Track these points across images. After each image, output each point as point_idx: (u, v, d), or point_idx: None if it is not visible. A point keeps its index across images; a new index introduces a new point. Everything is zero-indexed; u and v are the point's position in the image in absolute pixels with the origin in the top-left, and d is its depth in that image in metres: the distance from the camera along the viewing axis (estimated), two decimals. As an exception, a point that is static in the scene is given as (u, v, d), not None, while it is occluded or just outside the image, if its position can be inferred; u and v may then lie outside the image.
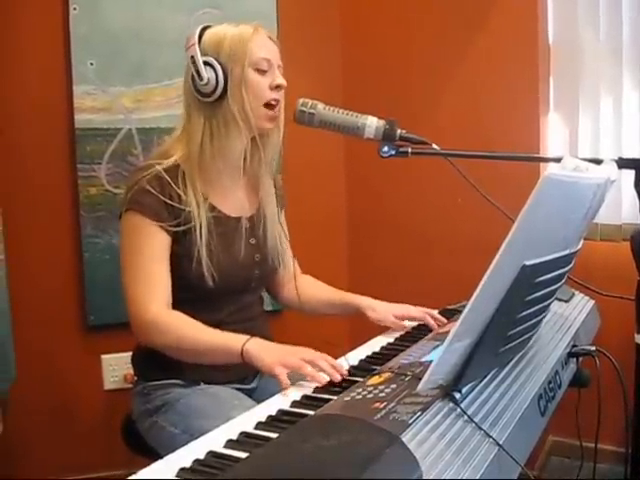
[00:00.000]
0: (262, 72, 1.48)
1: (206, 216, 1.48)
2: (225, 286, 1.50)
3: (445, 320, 1.62)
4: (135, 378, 1.62)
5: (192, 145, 1.49)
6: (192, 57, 1.47)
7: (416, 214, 2.61)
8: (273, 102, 1.50)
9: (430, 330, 1.57)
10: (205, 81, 1.45)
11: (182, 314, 1.43)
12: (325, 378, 1.23)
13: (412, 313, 1.66)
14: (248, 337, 1.35)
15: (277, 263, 1.66)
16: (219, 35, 1.48)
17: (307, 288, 1.73)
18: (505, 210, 1.39)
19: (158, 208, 1.45)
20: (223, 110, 1.48)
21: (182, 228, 1.47)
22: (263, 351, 1.32)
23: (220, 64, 1.45)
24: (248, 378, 1.62)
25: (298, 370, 1.25)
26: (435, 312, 1.67)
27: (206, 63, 1.45)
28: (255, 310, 1.64)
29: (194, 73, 1.46)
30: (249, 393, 1.60)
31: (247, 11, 2.37)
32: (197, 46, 1.46)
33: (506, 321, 1.00)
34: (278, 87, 1.50)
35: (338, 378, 1.24)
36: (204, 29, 1.50)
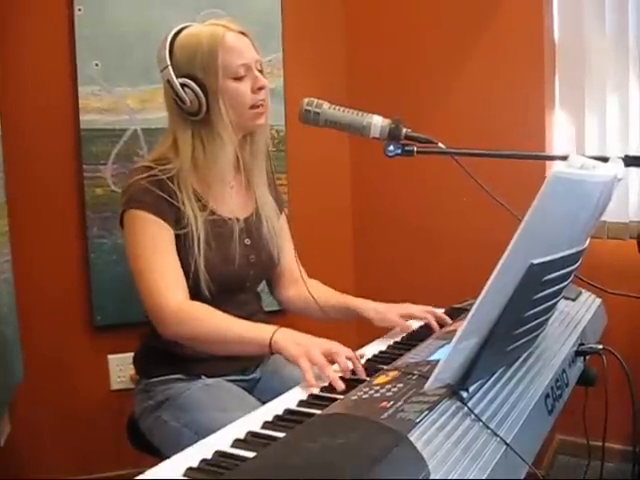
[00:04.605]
0: (240, 79, 1.48)
1: (204, 226, 1.49)
2: (220, 289, 1.51)
3: (450, 320, 1.60)
4: (137, 377, 1.63)
5: (183, 158, 1.49)
6: (168, 81, 1.47)
7: (422, 213, 2.61)
8: (258, 103, 1.51)
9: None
10: (188, 104, 1.46)
11: (205, 305, 1.44)
12: (342, 386, 1.20)
13: (415, 313, 1.62)
14: (276, 327, 1.35)
15: (274, 262, 1.66)
16: (190, 48, 1.47)
17: (311, 292, 1.71)
18: (511, 208, 1.39)
19: (159, 205, 1.46)
20: (209, 123, 1.48)
21: (182, 232, 1.47)
22: (290, 342, 1.31)
23: (196, 81, 1.45)
24: (249, 369, 1.63)
25: (320, 369, 1.24)
26: (439, 311, 1.63)
27: (183, 85, 1.45)
28: (251, 308, 1.64)
29: (175, 97, 1.47)
30: (251, 385, 1.61)
31: (252, 10, 2.37)
32: (170, 68, 1.46)
33: (513, 320, 1.00)
34: (260, 89, 1.50)
35: (342, 387, 1.19)
36: (174, 38, 1.49)
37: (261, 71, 1.52)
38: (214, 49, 1.45)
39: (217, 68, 1.45)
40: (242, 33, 1.51)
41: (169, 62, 1.46)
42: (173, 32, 1.50)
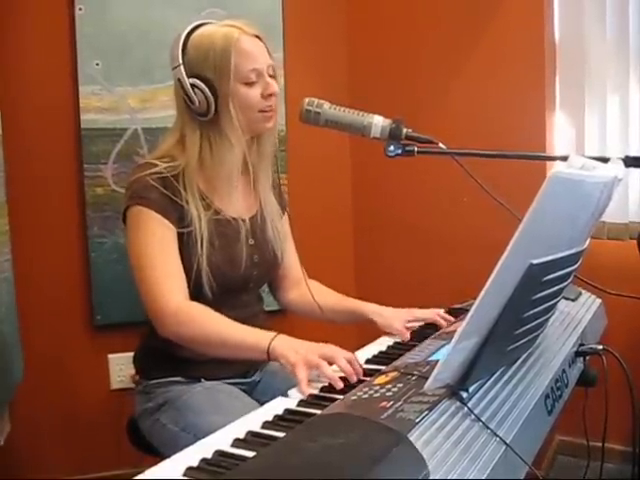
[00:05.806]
0: (251, 84, 1.47)
1: (207, 226, 1.49)
2: (222, 289, 1.51)
3: (453, 319, 1.60)
4: (137, 377, 1.63)
5: (190, 157, 1.49)
6: (179, 80, 1.46)
7: (422, 213, 2.61)
8: (267, 108, 1.50)
9: (437, 329, 1.56)
10: (197, 104, 1.46)
11: (204, 306, 1.43)
12: (341, 384, 1.20)
13: (419, 315, 1.63)
14: (274, 334, 1.34)
15: (277, 262, 1.66)
16: (203, 49, 1.45)
17: (313, 294, 1.69)
18: (512, 209, 1.39)
19: (163, 203, 1.46)
20: (218, 125, 1.48)
21: (185, 230, 1.47)
22: (287, 350, 1.30)
23: (207, 82, 1.44)
24: (249, 372, 1.62)
25: (318, 370, 1.24)
26: (442, 311, 1.64)
27: (193, 86, 1.44)
28: (253, 309, 1.63)
29: (184, 97, 1.46)
30: (251, 387, 1.61)
31: (253, 10, 2.38)
32: (182, 67, 1.45)
33: (513, 320, 1.00)
34: (270, 95, 1.50)
35: (354, 379, 1.22)
36: (188, 36, 1.48)
37: (273, 76, 1.51)
38: (227, 52, 1.44)
39: (229, 71, 1.44)
40: (257, 37, 1.49)
41: (181, 61, 1.46)
42: (187, 30, 1.48)
